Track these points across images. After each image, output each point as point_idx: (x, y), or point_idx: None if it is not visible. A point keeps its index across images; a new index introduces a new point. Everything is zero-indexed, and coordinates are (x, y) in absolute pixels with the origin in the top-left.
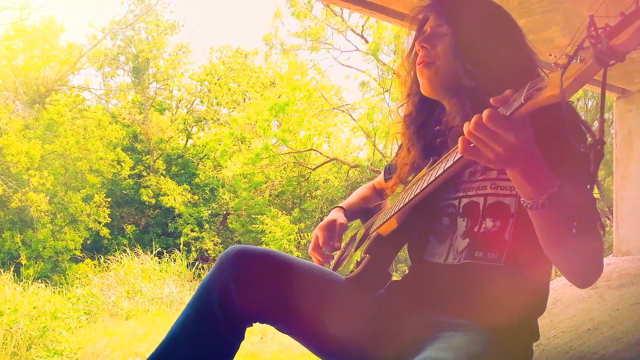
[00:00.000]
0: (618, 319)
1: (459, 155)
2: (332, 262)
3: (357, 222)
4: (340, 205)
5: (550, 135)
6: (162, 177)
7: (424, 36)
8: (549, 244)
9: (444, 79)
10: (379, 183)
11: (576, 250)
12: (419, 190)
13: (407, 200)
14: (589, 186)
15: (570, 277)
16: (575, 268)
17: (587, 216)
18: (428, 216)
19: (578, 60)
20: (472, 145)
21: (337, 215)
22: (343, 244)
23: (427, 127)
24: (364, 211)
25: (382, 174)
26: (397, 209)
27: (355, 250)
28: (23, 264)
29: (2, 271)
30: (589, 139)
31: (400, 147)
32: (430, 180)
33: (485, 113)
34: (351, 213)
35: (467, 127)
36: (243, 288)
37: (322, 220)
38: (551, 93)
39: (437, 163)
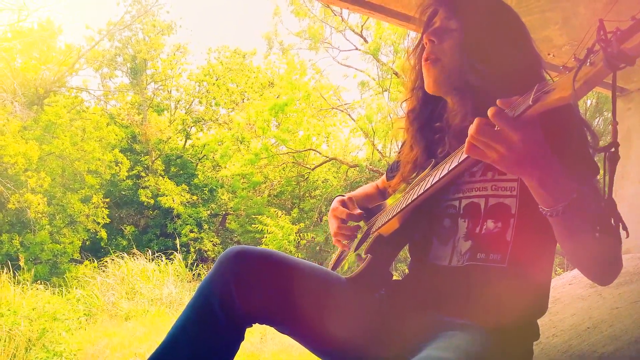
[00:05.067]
0: (617, 318)
1: (464, 156)
2: (331, 262)
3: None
4: (342, 195)
5: (559, 138)
6: (160, 178)
7: (433, 29)
8: (570, 248)
9: (449, 76)
10: (382, 182)
11: (598, 251)
12: (422, 191)
13: (409, 201)
14: (607, 188)
15: (592, 276)
16: (597, 268)
17: (605, 217)
18: (430, 217)
19: (588, 64)
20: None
21: (341, 197)
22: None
23: (431, 123)
24: (364, 209)
25: (385, 174)
26: (399, 210)
27: (355, 250)
28: (22, 266)
29: (1, 273)
30: (590, 139)
31: (403, 143)
32: (434, 181)
33: (490, 110)
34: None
35: (472, 128)
36: (243, 288)
37: (320, 220)
38: (560, 95)
39: (440, 164)
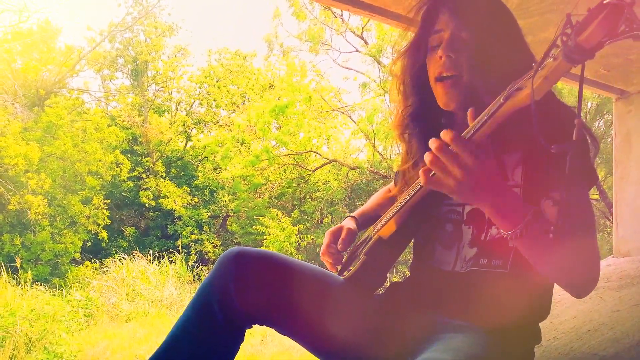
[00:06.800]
0: (618, 320)
1: (419, 186)
2: (339, 266)
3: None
4: (352, 214)
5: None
6: (161, 180)
7: (449, 43)
8: (537, 264)
9: (466, 95)
10: (393, 187)
11: (568, 264)
12: (408, 197)
13: (403, 203)
14: (584, 190)
15: (565, 287)
16: (569, 280)
17: (580, 224)
18: (431, 221)
19: (551, 59)
20: (432, 174)
21: (346, 222)
22: (354, 245)
23: (430, 129)
24: (377, 218)
25: (394, 178)
26: (394, 212)
27: (359, 253)
28: (22, 266)
29: (1, 273)
30: (590, 143)
31: (403, 150)
32: (418, 187)
33: (444, 134)
34: (364, 221)
35: (427, 156)
36: (242, 289)
37: (321, 222)
38: (527, 92)
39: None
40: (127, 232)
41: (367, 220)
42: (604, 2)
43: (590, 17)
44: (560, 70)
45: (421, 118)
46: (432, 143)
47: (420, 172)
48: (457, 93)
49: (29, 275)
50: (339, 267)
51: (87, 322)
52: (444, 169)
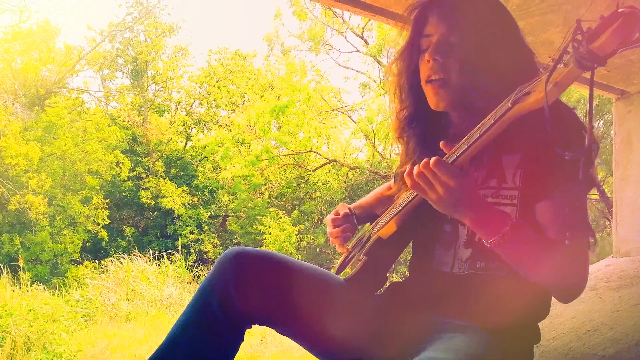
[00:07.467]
0: (618, 320)
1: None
2: (336, 265)
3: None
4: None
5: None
6: (161, 179)
7: (436, 47)
8: (524, 271)
9: (455, 96)
10: (394, 184)
11: (558, 268)
12: (413, 194)
13: (404, 204)
14: (582, 193)
15: (552, 292)
16: (557, 285)
17: (574, 228)
18: (431, 222)
19: (562, 65)
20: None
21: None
22: (351, 245)
23: (427, 131)
24: (372, 212)
25: (394, 176)
26: (395, 212)
27: (358, 253)
28: (21, 266)
29: (1, 273)
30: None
31: (402, 152)
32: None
33: (432, 160)
34: (360, 213)
35: (416, 169)
36: (242, 289)
37: (321, 222)
38: (536, 97)
39: None
40: (126, 232)
41: (362, 212)
42: (619, 10)
43: (604, 25)
44: (571, 76)
45: (418, 119)
46: (422, 162)
47: (405, 175)
48: (446, 94)
49: (28, 275)
50: (349, 246)
51: (86, 322)
52: (428, 183)
